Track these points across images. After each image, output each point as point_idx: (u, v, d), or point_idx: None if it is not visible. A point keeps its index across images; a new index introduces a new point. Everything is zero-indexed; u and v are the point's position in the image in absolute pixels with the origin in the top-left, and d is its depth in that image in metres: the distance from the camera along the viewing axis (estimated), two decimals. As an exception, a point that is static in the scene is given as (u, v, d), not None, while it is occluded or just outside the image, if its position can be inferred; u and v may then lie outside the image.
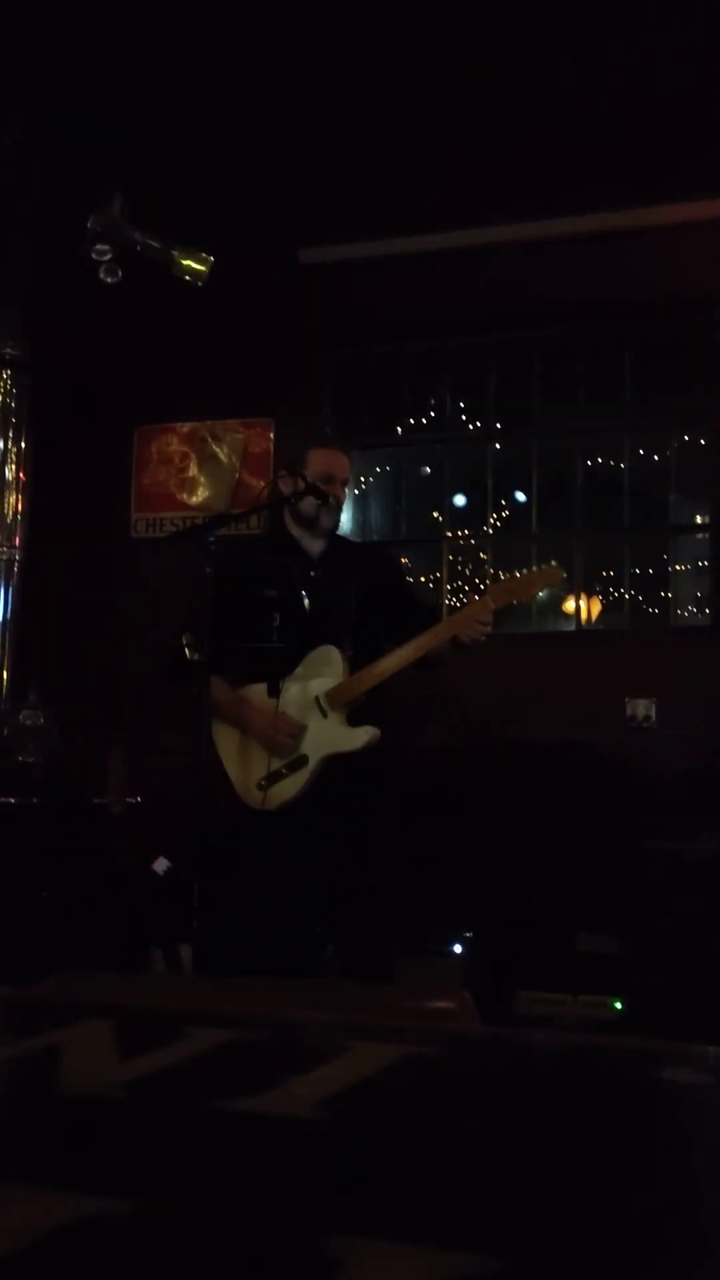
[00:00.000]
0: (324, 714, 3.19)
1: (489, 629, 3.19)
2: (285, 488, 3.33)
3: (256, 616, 3.18)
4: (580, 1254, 0.65)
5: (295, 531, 3.38)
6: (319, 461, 3.34)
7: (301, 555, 3.36)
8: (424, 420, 5.66)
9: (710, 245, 4.89)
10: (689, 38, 4.72)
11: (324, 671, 3.20)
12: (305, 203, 5.32)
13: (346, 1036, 1.15)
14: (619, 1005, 3.89)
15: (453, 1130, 0.89)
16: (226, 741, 3.28)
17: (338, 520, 3.44)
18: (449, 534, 5.58)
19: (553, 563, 3.31)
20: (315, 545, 3.38)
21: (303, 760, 3.18)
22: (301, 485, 3.26)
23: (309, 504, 3.30)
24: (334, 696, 3.18)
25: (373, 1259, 0.61)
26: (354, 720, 3.20)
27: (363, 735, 3.17)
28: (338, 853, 3.18)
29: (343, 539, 3.57)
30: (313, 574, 3.33)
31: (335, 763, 3.17)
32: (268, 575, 3.27)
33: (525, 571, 3.34)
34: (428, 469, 5.74)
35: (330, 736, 3.18)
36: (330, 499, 3.30)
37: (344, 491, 3.45)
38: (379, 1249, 0.63)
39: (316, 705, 3.19)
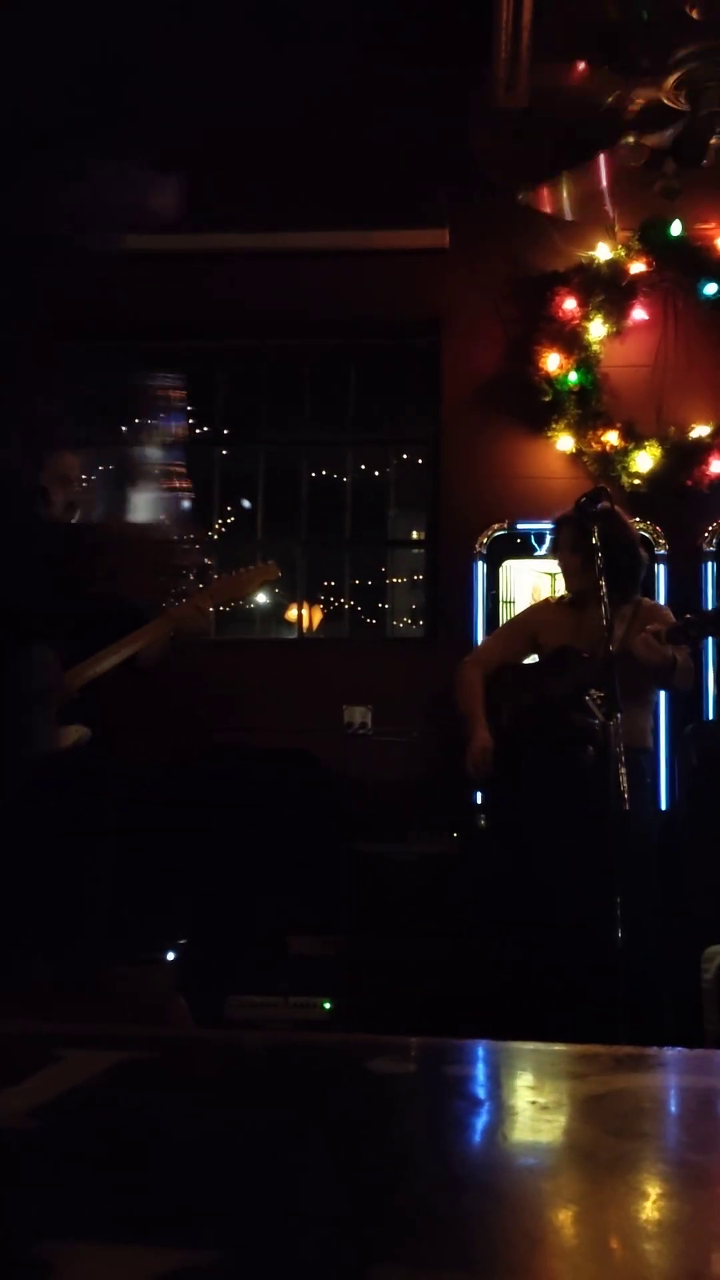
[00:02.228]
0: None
1: (208, 623, 3.21)
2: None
3: None
4: (290, 1242, 0.68)
5: None
6: (61, 463, 3.30)
7: None
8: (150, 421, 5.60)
9: (433, 272, 5.11)
10: (420, 73, 4.92)
11: (40, 668, 3.13)
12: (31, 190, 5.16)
13: (57, 1045, 1.14)
14: (328, 1005, 3.99)
15: (166, 1131, 0.90)
16: None
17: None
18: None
19: (270, 561, 3.38)
20: None
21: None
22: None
23: (59, 507, 3.26)
24: (44, 694, 3.12)
25: (85, 1260, 0.62)
26: (63, 720, 3.14)
27: (70, 734, 3.12)
28: (47, 858, 3.11)
29: None
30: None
31: (42, 763, 3.11)
32: None
33: (242, 570, 3.39)
34: (153, 472, 5.69)
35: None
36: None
37: (79, 494, 3.42)
38: (91, 1250, 0.64)
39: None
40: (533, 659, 3.92)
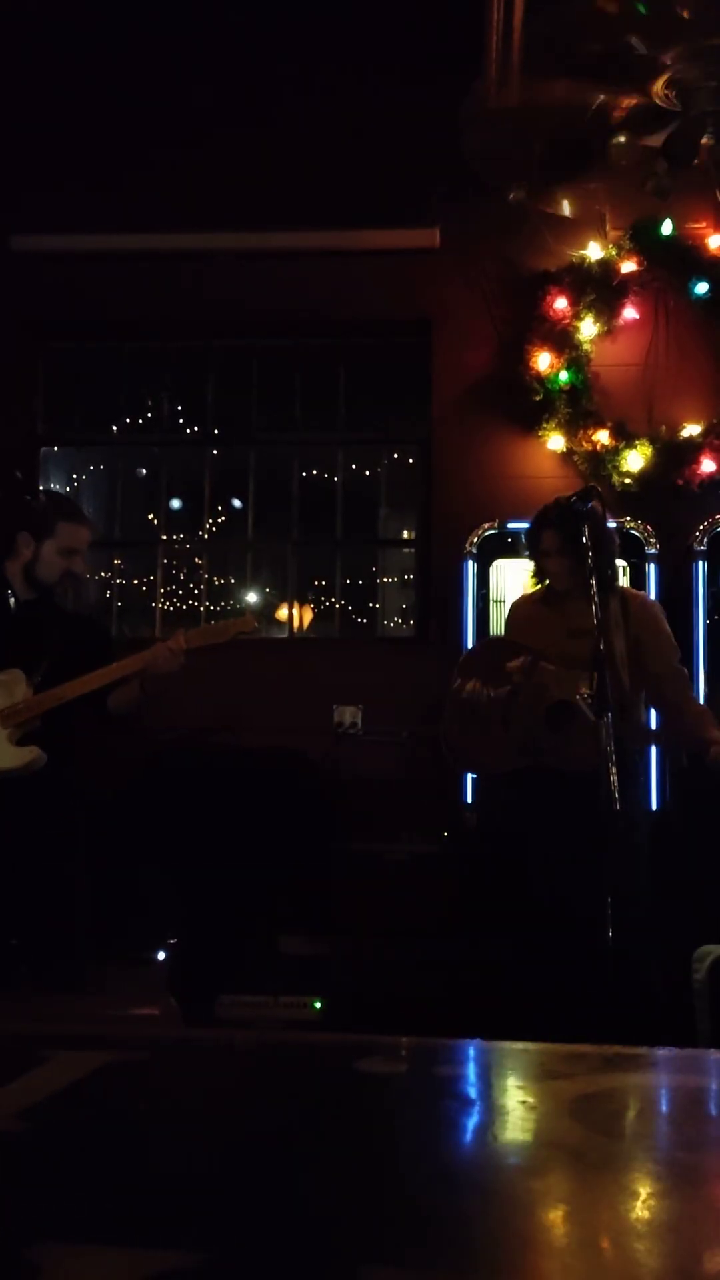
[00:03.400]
0: None
1: (179, 666, 3.20)
2: (26, 551, 3.30)
3: None
4: (281, 1243, 0.68)
5: (16, 578, 3.35)
6: (67, 534, 3.31)
7: (10, 594, 3.34)
8: (140, 421, 5.59)
9: (424, 272, 5.11)
10: (410, 73, 4.92)
11: (10, 690, 3.18)
12: (18, 189, 5.15)
13: (47, 1047, 1.13)
14: (319, 1005, 3.99)
15: (156, 1133, 0.90)
16: None
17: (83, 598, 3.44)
18: (164, 537, 5.55)
19: (247, 614, 3.43)
20: (27, 593, 3.36)
21: None
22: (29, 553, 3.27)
23: (51, 570, 3.30)
24: (6, 715, 3.15)
25: (75, 1262, 0.62)
26: (25, 741, 3.16)
27: (24, 755, 3.14)
28: (23, 866, 3.14)
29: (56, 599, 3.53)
30: (18, 614, 3.32)
31: (6, 777, 3.13)
32: None
33: (219, 622, 3.45)
34: (144, 470, 5.68)
35: None
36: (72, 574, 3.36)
37: (83, 565, 3.43)
38: (80, 1252, 0.63)
39: None
40: None
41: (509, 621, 3.96)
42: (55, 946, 3.22)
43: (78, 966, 3.23)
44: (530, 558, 3.79)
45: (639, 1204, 0.84)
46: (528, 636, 3.70)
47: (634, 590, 4.18)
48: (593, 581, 3.18)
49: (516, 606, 3.95)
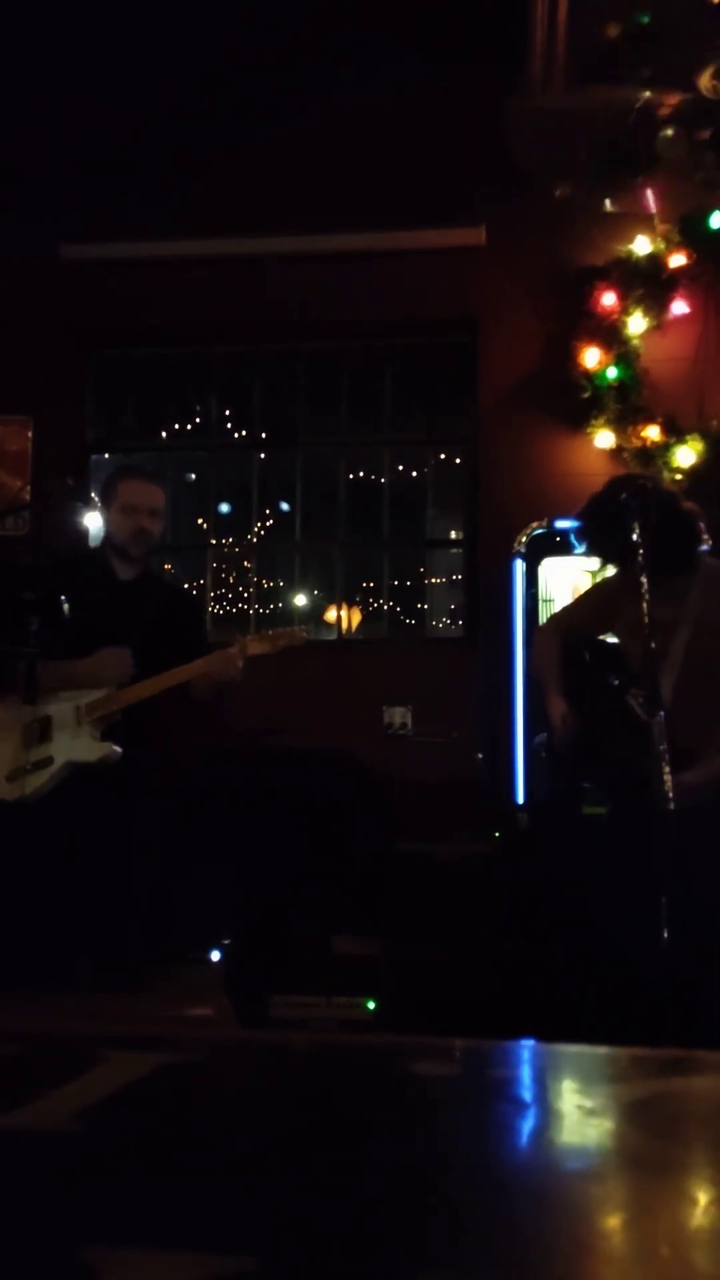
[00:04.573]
0: (79, 723, 3.30)
1: (238, 673, 3.37)
2: (102, 520, 3.54)
3: (12, 619, 3.24)
4: (334, 1248, 0.67)
5: (111, 556, 3.55)
6: (127, 492, 3.51)
7: (112, 578, 3.53)
8: (189, 426, 5.63)
9: (470, 270, 5.09)
10: (453, 73, 4.91)
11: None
12: (68, 197, 5.20)
13: (104, 1047, 1.14)
14: (372, 1005, 3.98)
15: (210, 1135, 0.90)
16: None
17: (147, 549, 3.59)
18: (213, 541, 5.57)
19: (299, 629, 3.58)
20: (127, 572, 3.54)
21: (48, 761, 3.28)
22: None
23: (121, 531, 3.48)
24: (90, 708, 3.31)
25: (129, 1266, 0.62)
26: (106, 735, 3.33)
27: (100, 750, 3.30)
28: (87, 862, 3.22)
29: (158, 577, 3.68)
30: (115, 597, 3.49)
31: (79, 771, 3.27)
32: (28, 578, 3.36)
33: (273, 632, 3.56)
34: (193, 475, 5.71)
35: (75, 745, 3.30)
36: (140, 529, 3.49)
37: (152, 522, 3.55)
38: (137, 1256, 0.64)
39: (75, 713, 3.32)
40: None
41: (611, 588, 3.49)
42: (112, 944, 3.28)
43: (135, 965, 3.29)
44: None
45: (700, 1211, 0.82)
46: (602, 611, 3.41)
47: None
48: (644, 579, 3.10)
49: (618, 579, 3.40)
